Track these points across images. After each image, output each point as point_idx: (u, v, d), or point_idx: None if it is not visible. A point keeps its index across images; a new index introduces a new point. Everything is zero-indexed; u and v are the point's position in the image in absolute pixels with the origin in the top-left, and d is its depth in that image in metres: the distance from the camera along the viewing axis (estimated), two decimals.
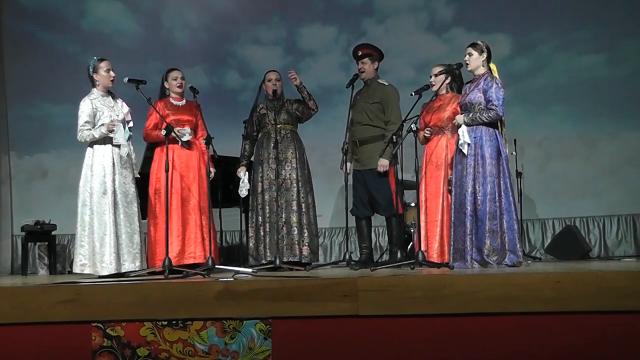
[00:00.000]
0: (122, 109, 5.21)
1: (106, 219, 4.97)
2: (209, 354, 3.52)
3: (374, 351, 3.45)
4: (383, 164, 5.61)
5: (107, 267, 4.92)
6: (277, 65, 8.42)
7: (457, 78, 5.42)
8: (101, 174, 5.01)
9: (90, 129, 5.05)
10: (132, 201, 5.12)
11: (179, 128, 5.36)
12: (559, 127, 7.80)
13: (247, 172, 5.81)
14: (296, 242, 5.67)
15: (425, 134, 5.29)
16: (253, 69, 8.40)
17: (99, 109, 5.10)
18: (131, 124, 5.24)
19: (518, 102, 7.75)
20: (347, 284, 3.49)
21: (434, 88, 5.36)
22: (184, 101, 5.65)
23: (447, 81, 5.36)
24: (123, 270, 4.98)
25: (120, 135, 5.07)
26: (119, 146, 5.10)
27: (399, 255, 5.69)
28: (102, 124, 5.05)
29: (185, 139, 5.34)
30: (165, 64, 8.49)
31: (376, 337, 3.45)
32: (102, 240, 4.96)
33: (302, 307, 3.48)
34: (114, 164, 5.05)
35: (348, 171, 5.83)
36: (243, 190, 5.71)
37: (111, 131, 5.03)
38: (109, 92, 5.24)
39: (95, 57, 5.18)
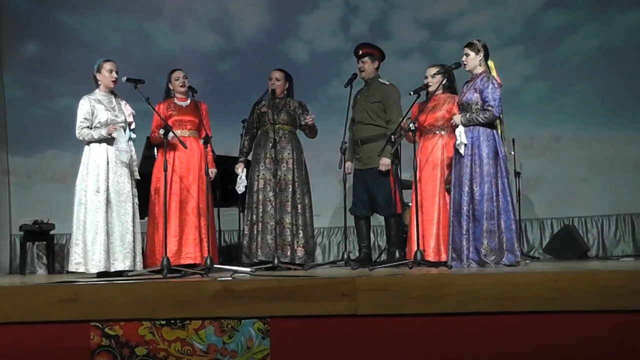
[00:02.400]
0: (124, 110, 5.22)
1: (98, 218, 4.98)
2: (207, 354, 3.52)
3: (373, 350, 3.45)
4: (385, 162, 5.61)
5: (96, 265, 4.94)
6: (263, 22, 7.59)
7: (449, 77, 5.41)
8: (95, 172, 5.03)
9: (89, 127, 5.07)
10: (126, 200, 5.12)
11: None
12: (571, 116, 7.60)
13: (245, 169, 5.81)
14: (288, 244, 5.66)
15: (411, 128, 5.10)
16: (232, 29, 7.53)
17: (97, 108, 5.11)
18: (133, 126, 5.26)
19: (541, 76, 7.57)
20: (345, 284, 3.49)
21: (431, 89, 5.36)
22: (188, 101, 5.67)
23: (443, 82, 5.35)
24: (112, 269, 4.99)
25: (122, 140, 5.06)
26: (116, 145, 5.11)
27: (397, 254, 5.69)
28: (103, 126, 5.06)
29: (114, 134, 5.13)
30: (119, 15, 7.50)
31: (375, 336, 3.45)
32: (94, 239, 4.97)
33: (300, 306, 3.48)
34: (108, 162, 5.07)
35: (348, 171, 5.82)
36: (240, 186, 5.72)
37: (110, 134, 5.03)
38: (112, 93, 5.25)
39: (101, 58, 5.23)
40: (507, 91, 7.17)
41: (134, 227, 5.12)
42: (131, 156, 5.19)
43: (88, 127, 5.08)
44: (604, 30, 7.50)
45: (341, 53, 7.49)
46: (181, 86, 5.63)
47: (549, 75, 7.69)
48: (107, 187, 5.04)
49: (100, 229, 4.97)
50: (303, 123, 5.85)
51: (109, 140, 5.09)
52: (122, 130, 5.07)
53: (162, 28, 7.67)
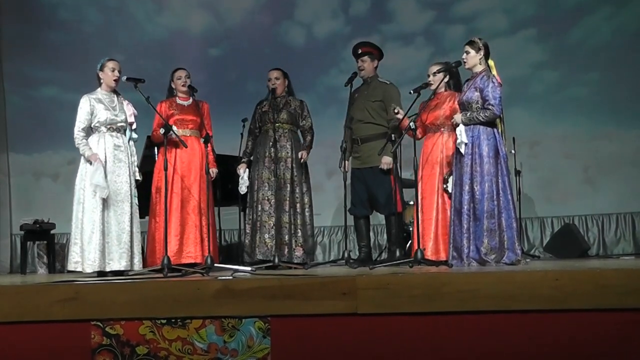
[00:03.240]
0: (125, 110, 5.22)
1: (95, 217, 4.98)
2: (208, 353, 3.52)
3: (373, 349, 3.45)
4: (387, 161, 5.62)
5: (91, 264, 4.94)
6: (257, 3, 7.27)
7: (454, 75, 5.42)
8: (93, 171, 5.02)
9: (84, 135, 5.08)
10: (123, 200, 5.11)
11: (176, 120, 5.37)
12: (577, 110, 7.49)
13: (247, 169, 5.81)
14: (285, 243, 5.67)
15: (411, 126, 5.07)
16: (222, 9, 7.11)
17: (96, 108, 5.11)
18: (135, 126, 5.26)
19: (552, 64, 7.42)
20: (346, 282, 3.49)
21: (432, 87, 5.37)
22: (190, 100, 5.67)
23: (446, 80, 5.37)
24: (108, 269, 4.99)
25: (99, 176, 4.97)
26: (114, 145, 5.11)
27: (397, 253, 5.70)
28: (102, 125, 5.07)
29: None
30: None
31: (375, 335, 3.46)
32: (90, 238, 4.97)
33: (301, 305, 3.48)
34: (106, 161, 5.06)
35: (346, 169, 5.82)
36: (242, 187, 5.72)
37: (90, 163, 5.01)
38: (115, 92, 5.25)
39: (105, 57, 5.24)
40: (516, 81, 7.06)
41: (132, 226, 5.12)
42: (130, 154, 5.20)
43: (85, 128, 5.08)
44: (620, 12, 7.25)
45: (340, 37, 7.20)
46: (183, 85, 5.64)
47: (560, 62, 7.54)
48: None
49: (96, 229, 4.97)
50: (302, 124, 5.86)
51: (108, 140, 5.10)
52: (101, 168, 4.99)
53: (148, 9, 7.25)
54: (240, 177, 5.75)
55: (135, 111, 5.28)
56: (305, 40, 6.96)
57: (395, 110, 5.35)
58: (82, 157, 5.11)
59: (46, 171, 8.25)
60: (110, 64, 5.19)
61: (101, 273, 4.97)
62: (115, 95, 5.24)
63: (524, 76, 7.56)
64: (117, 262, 5.03)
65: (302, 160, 5.78)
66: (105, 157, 5.07)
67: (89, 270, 4.95)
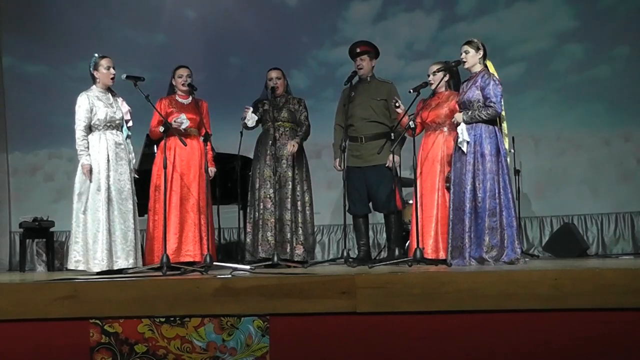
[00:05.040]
0: (121, 107, 5.20)
1: (99, 216, 4.96)
2: (206, 351, 3.52)
3: (372, 348, 3.45)
4: (394, 159, 5.61)
5: (99, 263, 4.92)
6: None
7: (455, 75, 5.43)
8: (95, 170, 5.01)
9: (85, 135, 5.04)
10: (127, 198, 5.10)
11: (175, 117, 5.34)
12: (595, 96, 7.28)
13: (254, 112, 5.72)
14: (287, 241, 5.67)
15: (410, 125, 5.12)
16: None
17: (96, 105, 5.09)
18: (130, 124, 5.24)
19: (580, 35, 7.05)
20: (345, 281, 3.49)
21: (432, 86, 5.37)
22: (190, 99, 5.66)
23: (446, 79, 5.38)
24: (115, 267, 4.98)
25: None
26: (115, 142, 5.10)
27: (397, 252, 5.70)
28: (102, 124, 5.05)
29: (184, 126, 5.30)
30: None
31: (374, 334, 3.46)
32: (95, 237, 4.95)
33: (299, 304, 3.48)
34: (108, 160, 5.04)
35: (340, 168, 5.80)
36: (250, 120, 5.67)
37: (86, 173, 5.01)
38: (110, 90, 5.24)
39: (96, 55, 5.18)
40: (539, 54, 6.69)
41: (134, 224, 5.12)
42: (129, 150, 5.20)
43: (86, 126, 5.05)
44: None
45: None
46: (183, 84, 5.63)
47: (588, 32, 7.15)
48: (108, 185, 5.02)
49: (101, 227, 4.96)
50: (300, 118, 5.86)
51: (109, 138, 5.09)
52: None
53: None
54: (249, 112, 5.65)
55: (130, 108, 5.27)
56: (298, 1, 6.33)
57: (397, 104, 5.34)
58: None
59: (46, 169, 8.24)
60: (105, 62, 5.13)
61: (102, 271, 4.96)
62: (110, 93, 5.22)
63: (548, 48, 7.15)
64: (125, 260, 5.01)
65: (290, 151, 5.73)
66: (108, 156, 5.05)
67: (96, 269, 4.92)
